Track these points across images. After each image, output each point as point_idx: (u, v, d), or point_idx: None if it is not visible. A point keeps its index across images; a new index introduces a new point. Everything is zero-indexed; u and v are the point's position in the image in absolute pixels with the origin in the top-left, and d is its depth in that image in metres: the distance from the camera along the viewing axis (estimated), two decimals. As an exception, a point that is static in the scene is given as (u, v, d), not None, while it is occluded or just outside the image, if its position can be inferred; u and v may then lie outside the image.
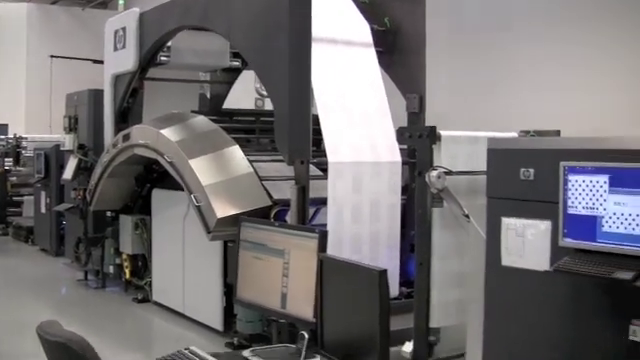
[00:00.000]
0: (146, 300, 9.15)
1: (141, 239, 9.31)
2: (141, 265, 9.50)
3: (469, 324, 5.05)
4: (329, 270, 3.76)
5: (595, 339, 3.96)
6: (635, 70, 8.15)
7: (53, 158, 12.60)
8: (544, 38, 9.30)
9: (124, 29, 9.48)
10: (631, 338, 3.77)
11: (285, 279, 4.07)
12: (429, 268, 5.33)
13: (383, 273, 3.34)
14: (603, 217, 3.82)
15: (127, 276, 9.65)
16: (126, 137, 8.80)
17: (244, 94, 10.53)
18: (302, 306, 3.97)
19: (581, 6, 8.82)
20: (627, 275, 3.61)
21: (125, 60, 9.42)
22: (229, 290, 7.27)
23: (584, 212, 3.90)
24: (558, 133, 5.93)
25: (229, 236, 6.96)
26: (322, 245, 3.92)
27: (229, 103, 10.31)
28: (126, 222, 9.50)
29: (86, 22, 19.73)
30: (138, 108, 9.78)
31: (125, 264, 9.63)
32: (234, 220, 6.39)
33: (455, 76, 10.26)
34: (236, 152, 7.55)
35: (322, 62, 6.79)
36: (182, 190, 7.56)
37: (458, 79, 10.30)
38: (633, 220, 3.69)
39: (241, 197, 7.11)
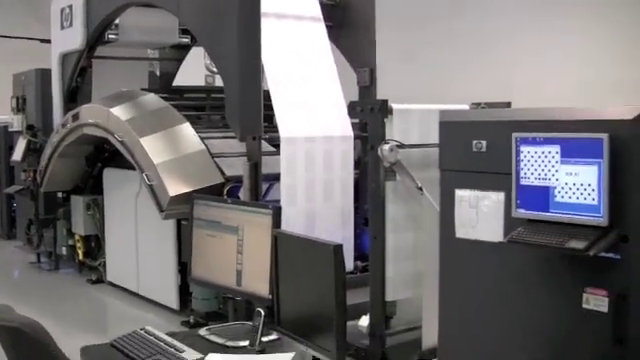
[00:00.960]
0: (100, 281, 9.07)
1: (93, 219, 9.21)
2: (94, 246, 9.41)
3: (425, 296, 5.06)
4: (284, 246, 3.73)
5: (550, 308, 3.97)
6: (585, 41, 8.19)
7: (1, 139, 12.38)
8: (496, 11, 9.32)
9: (71, 7, 9.32)
10: (584, 306, 3.79)
11: (240, 256, 4.04)
12: (383, 242, 5.33)
13: (338, 248, 3.32)
14: (555, 187, 3.82)
15: (80, 257, 9.55)
16: (75, 117, 8.68)
17: (194, 71, 10.45)
18: (257, 283, 3.94)
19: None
20: (580, 244, 3.62)
21: (72, 39, 9.28)
22: (184, 269, 7.20)
23: (536, 183, 3.90)
24: (509, 105, 5.96)
25: (182, 214, 6.91)
26: (276, 221, 3.89)
27: (179, 80, 10.21)
28: (78, 203, 9.39)
29: (32, 1, 19.36)
30: (87, 87, 9.65)
31: (78, 245, 9.53)
32: (187, 198, 6.31)
33: (405, 49, 10.24)
34: (187, 129, 7.49)
35: (272, 37, 6.73)
36: (134, 169, 7.49)
37: (409, 52, 10.28)
38: (585, 190, 3.70)
39: (193, 175, 7.06)
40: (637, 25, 7.64)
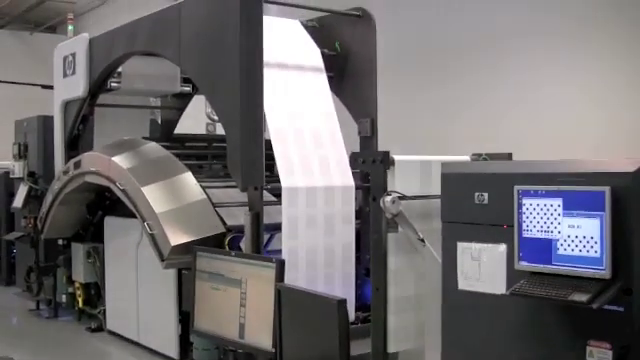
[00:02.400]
0: (100, 329, 9.02)
1: (94, 267, 9.19)
2: (94, 294, 9.37)
3: (427, 348, 5.04)
4: (287, 300, 3.74)
5: (553, 361, 3.97)
6: (586, 92, 8.25)
7: (2, 186, 12.39)
8: (497, 63, 9.38)
9: (74, 55, 9.38)
10: (588, 359, 3.80)
11: (243, 309, 4.05)
12: (385, 293, 5.32)
13: (342, 303, 3.33)
14: (558, 240, 3.85)
15: (80, 305, 9.50)
16: (77, 164, 8.70)
17: (195, 119, 10.49)
18: (260, 336, 3.94)
19: (533, 31, 8.91)
20: (583, 297, 3.64)
21: (75, 86, 9.32)
22: (184, 317, 7.19)
23: (539, 235, 3.92)
24: (510, 156, 5.98)
25: (183, 264, 6.89)
26: (279, 274, 3.90)
27: (180, 129, 10.24)
28: (78, 250, 9.37)
29: (34, 47, 19.51)
30: (89, 135, 9.66)
31: (78, 293, 9.48)
32: (188, 248, 6.37)
33: (406, 99, 10.29)
34: (189, 179, 7.50)
35: (273, 87, 6.77)
36: (135, 218, 7.48)
37: (409, 102, 10.33)
38: (587, 242, 3.72)
39: (195, 224, 7.05)
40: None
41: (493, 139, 8.31)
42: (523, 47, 8.96)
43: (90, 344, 8.73)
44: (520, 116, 8.84)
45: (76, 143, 9.60)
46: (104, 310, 9.00)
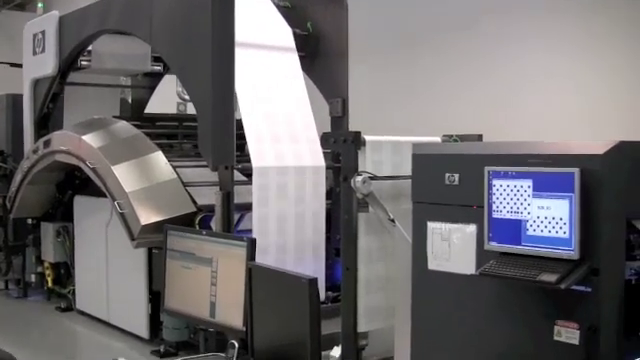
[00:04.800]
0: (70, 309, 8.97)
1: (63, 247, 9.14)
2: (64, 273, 9.32)
3: (397, 328, 5.06)
4: (258, 279, 3.73)
5: (522, 341, 4.00)
6: (552, 70, 8.25)
7: (-30, 165, 12.28)
8: (465, 43, 9.38)
9: (43, 33, 9.29)
10: (556, 338, 3.83)
11: (213, 288, 4.04)
12: (356, 273, 5.33)
13: (313, 282, 3.33)
14: (527, 221, 3.87)
15: (49, 284, 9.45)
16: (47, 143, 8.62)
17: (166, 98, 10.43)
18: (231, 315, 3.94)
19: (499, 11, 8.91)
20: (551, 278, 3.67)
21: (45, 64, 9.24)
22: (154, 297, 7.17)
23: (509, 216, 3.95)
24: (480, 137, 6.00)
25: (154, 243, 6.88)
26: (251, 253, 3.90)
27: (151, 108, 10.19)
28: (48, 229, 9.31)
29: (3, 24, 19.26)
30: (59, 113, 9.60)
31: (47, 272, 9.43)
32: (158, 227, 6.34)
33: (376, 81, 10.28)
34: (159, 158, 7.47)
35: (245, 66, 6.75)
36: (105, 197, 7.45)
37: (379, 83, 10.32)
38: (557, 223, 3.75)
39: (165, 203, 7.03)
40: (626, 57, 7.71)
41: (463, 120, 8.33)
42: (493, 27, 8.94)
43: (60, 324, 8.68)
44: (490, 97, 8.84)
45: (46, 122, 9.52)
46: (74, 290, 8.95)
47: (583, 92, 7.90)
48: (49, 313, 9.07)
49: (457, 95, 9.23)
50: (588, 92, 7.86)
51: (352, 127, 7.07)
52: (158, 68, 9.80)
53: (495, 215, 4.01)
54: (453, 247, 4.35)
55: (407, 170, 4.81)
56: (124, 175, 7.23)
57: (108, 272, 8.10)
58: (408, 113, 9.62)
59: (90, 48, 9.10)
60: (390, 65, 10.21)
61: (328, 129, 7.41)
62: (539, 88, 8.31)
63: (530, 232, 3.86)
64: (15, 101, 10.49)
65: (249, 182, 6.55)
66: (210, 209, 6.73)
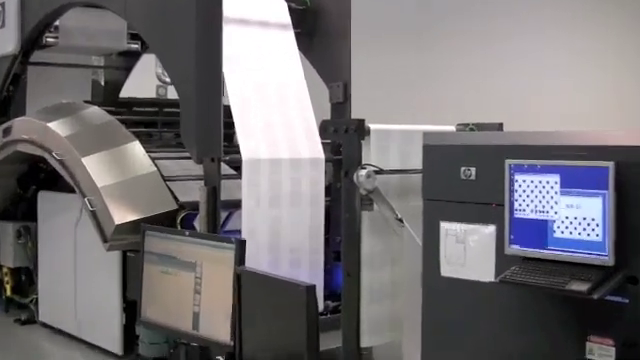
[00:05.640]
0: (31, 321, 8.95)
1: (25, 250, 9.12)
2: (25, 280, 9.32)
3: (404, 342, 5.07)
4: (248, 285, 3.74)
5: (547, 358, 4.00)
6: (585, 56, 8.28)
7: None
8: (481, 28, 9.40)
9: (3, 5, 9.28)
10: (588, 357, 3.82)
11: (197, 296, 4.05)
12: (358, 279, 5.34)
13: (311, 289, 3.33)
14: (554, 222, 3.87)
15: (8, 293, 9.43)
16: (7, 131, 8.61)
17: (144, 81, 10.44)
18: (217, 327, 3.94)
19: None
20: (582, 286, 3.66)
21: (4, 41, 9.22)
22: (129, 307, 7.17)
23: (533, 216, 3.95)
24: (500, 126, 5.98)
25: (129, 245, 6.86)
26: (240, 257, 3.90)
27: (127, 91, 10.19)
28: (7, 230, 9.29)
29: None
30: (21, 98, 9.58)
31: (6, 279, 9.42)
32: (135, 227, 6.34)
33: (382, 63, 10.29)
34: (136, 148, 7.46)
35: (234, 45, 6.75)
36: (74, 192, 7.44)
37: (386, 66, 10.33)
38: (588, 225, 3.75)
39: (143, 200, 7.03)
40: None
41: (482, 107, 8.33)
42: (513, 11, 8.97)
43: (19, 338, 8.67)
44: (512, 82, 8.85)
45: (6, 107, 9.50)
46: (36, 299, 8.94)
47: (615, 77, 7.92)
48: (7, 326, 9.04)
49: (475, 81, 9.24)
50: (621, 77, 7.88)
51: (355, 114, 7.07)
52: (135, 46, 9.80)
53: (517, 215, 4.00)
54: (469, 251, 4.35)
55: (417, 163, 4.81)
56: (96, 168, 7.22)
57: (76, 279, 8.09)
58: (419, 100, 9.63)
59: (57, 23, 9.09)
60: (400, 45, 10.22)
61: (328, 117, 7.39)
62: (566, 72, 8.33)
63: (557, 234, 3.86)
64: (-29, 83, 10.50)
65: (238, 176, 6.54)
66: (194, 206, 6.72)
